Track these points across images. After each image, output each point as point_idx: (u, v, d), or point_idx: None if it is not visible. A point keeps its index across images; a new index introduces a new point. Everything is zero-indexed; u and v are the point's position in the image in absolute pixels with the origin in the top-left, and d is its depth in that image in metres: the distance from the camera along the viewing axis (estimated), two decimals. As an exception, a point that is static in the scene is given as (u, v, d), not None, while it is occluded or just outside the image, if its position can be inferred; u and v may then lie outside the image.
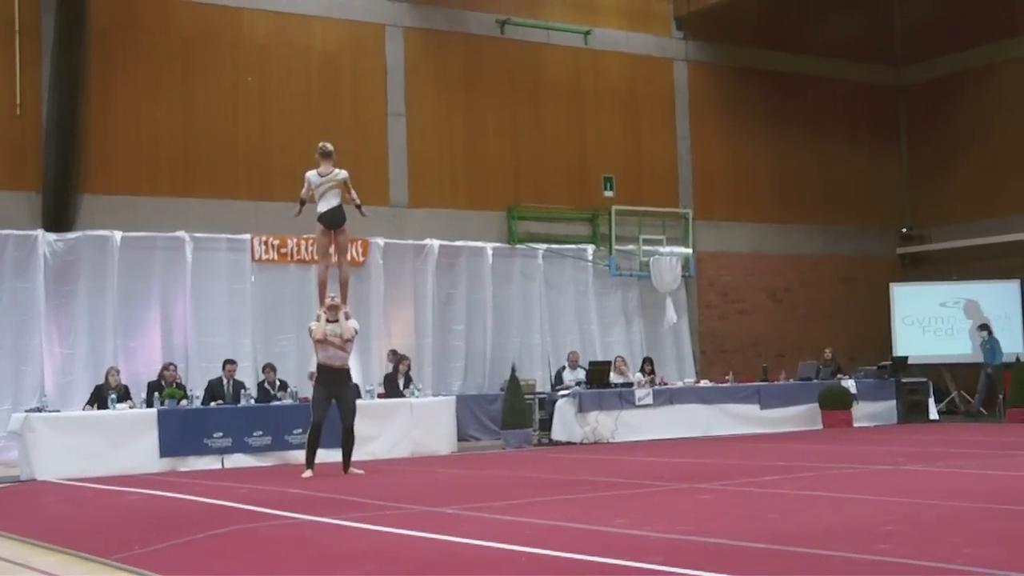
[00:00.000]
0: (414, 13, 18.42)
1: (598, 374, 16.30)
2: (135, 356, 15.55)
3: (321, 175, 11.58)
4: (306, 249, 16.36)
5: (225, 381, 14.28)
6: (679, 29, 20.88)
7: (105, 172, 15.97)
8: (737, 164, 21.21)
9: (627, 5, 20.44)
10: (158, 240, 15.96)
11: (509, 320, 18.46)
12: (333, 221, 11.66)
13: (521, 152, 19.16)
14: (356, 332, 11.74)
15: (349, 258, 16.46)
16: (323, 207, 11.59)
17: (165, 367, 14.28)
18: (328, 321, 11.43)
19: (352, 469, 11.44)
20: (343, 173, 11.61)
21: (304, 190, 11.75)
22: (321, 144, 11.69)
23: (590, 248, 19.38)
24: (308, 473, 11.22)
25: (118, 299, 15.52)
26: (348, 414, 11.51)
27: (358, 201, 11.82)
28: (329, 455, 12.35)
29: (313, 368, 12.03)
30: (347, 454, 11.56)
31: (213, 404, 13.75)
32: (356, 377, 15.69)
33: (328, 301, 11.57)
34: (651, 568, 5.16)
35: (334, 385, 11.43)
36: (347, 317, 11.58)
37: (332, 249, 11.94)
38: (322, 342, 11.35)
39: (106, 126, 16.01)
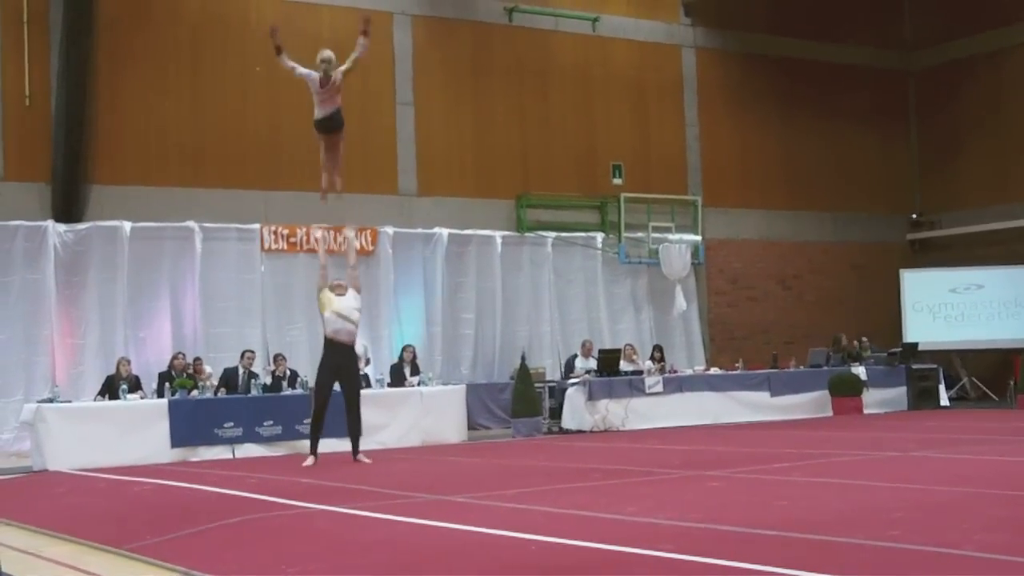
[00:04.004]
0: (422, 1, 18.39)
1: (608, 362, 16.30)
2: (145, 346, 15.59)
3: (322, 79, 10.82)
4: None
5: (242, 371, 14.28)
6: (687, 16, 20.81)
7: (114, 162, 16.00)
8: (746, 150, 21.15)
9: (635, -8, 20.41)
10: (167, 230, 15.98)
11: (518, 308, 18.45)
12: (331, 125, 11.07)
13: (530, 140, 19.13)
14: (359, 311, 11.69)
15: (359, 246, 16.59)
16: (319, 113, 10.96)
17: (176, 356, 14.27)
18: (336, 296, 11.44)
19: (360, 457, 11.37)
20: (340, 71, 10.75)
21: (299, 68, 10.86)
22: (321, 52, 10.76)
23: (599, 236, 19.36)
24: (311, 460, 11.21)
25: (128, 289, 15.55)
26: (353, 398, 11.39)
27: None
28: (336, 444, 12.37)
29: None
30: (355, 440, 11.48)
31: (221, 392, 13.76)
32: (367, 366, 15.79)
33: (333, 282, 11.56)
34: (662, 556, 5.17)
35: (340, 362, 11.30)
36: (357, 290, 11.55)
37: (330, 164, 11.38)
38: (336, 313, 11.20)
39: (115, 116, 16.02)
